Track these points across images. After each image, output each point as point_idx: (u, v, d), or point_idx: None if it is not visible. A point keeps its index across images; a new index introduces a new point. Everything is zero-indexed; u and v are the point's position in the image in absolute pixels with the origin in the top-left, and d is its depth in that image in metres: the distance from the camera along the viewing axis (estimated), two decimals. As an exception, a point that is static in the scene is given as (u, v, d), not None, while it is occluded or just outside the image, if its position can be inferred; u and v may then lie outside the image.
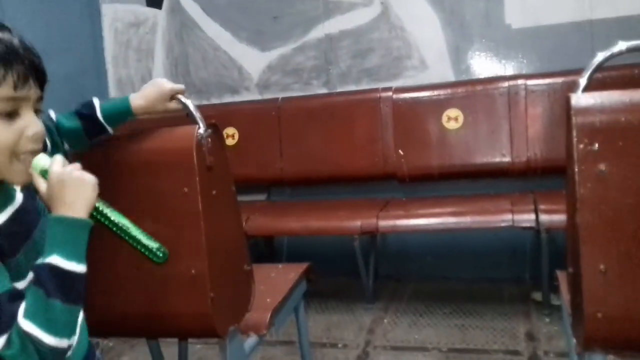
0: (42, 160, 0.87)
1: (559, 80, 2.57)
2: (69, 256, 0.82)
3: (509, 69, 2.76)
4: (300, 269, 1.81)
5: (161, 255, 0.92)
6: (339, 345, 2.25)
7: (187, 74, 3.24)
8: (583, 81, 1.15)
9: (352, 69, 2.98)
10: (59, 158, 0.88)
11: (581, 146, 1.04)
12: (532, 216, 2.24)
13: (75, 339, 0.84)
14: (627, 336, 1.09)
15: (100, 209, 0.89)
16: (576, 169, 1.04)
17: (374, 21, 2.93)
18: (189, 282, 1.19)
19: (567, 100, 1.12)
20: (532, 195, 2.48)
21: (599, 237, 1.06)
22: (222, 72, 3.19)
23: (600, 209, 1.04)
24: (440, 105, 2.72)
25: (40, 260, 0.82)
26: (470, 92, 2.70)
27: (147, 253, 0.92)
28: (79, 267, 0.83)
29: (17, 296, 0.80)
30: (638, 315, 1.06)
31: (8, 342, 0.77)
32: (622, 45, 1.16)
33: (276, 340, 2.24)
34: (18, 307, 0.79)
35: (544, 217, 2.22)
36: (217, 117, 1.30)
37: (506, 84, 2.66)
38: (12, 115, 0.83)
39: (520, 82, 2.64)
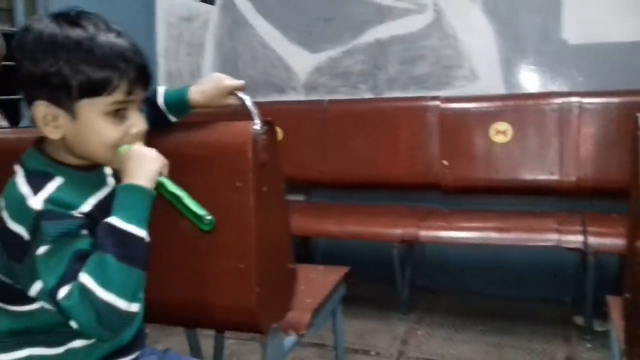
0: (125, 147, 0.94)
1: (616, 100, 2.50)
2: (128, 219, 0.86)
3: (562, 85, 2.69)
4: (341, 272, 1.80)
5: (207, 223, 0.95)
6: (372, 353, 2.23)
7: (235, 71, 3.26)
8: None
9: (401, 75, 2.95)
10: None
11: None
12: (580, 237, 2.17)
13: (135, 306, 0.86)
14: None
15: (161, 181, 0.94)
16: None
17: (426, 28, 2.90)
18: (236, 276, 1.19)
19: (635, 120, 1.08)
20: (580, 216, 2.40)
21: None
22: (270, 70, 3.21)
23: None
24: (489, 118, 2.67)
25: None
26: (521, 107, 2.65)
27: (195, 220, 0.95)
28: (138, 231, 0.87)
29: (87, 256, 0.84)
30: None
31: (69, 294, 0.82)
32: None
33: (308, 342, 2.23)
34: (84, 264, 0.83)
35: (592, 240, 2.15)
36: (262, 116, 1.29)
37: (559, 100, 2.59)
38: (120, 115, 0.91)
39: (574, 99, 2.57)
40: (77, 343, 0.93)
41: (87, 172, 0.95)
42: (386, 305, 2.63)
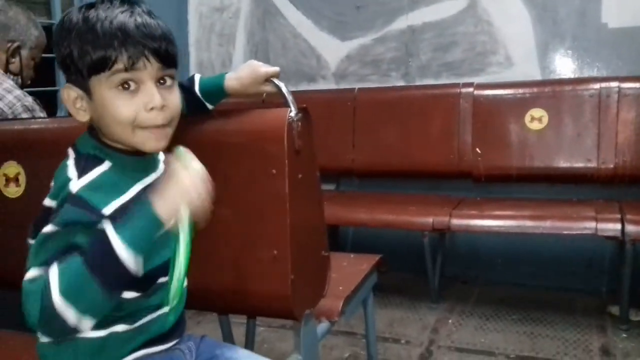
0: (183, 152, 0.88)
1: (657, 85, 2.42)
2: (124, 237, 0.79)
3: (601, 71, 2.62)
4: (373, 260, 1.79)
5: (167, 303, 0.89)
6: (402, 341, 2.23)
7: (266, 60, 3.22)
8: None
9: (433, 63, 2.92)
10: (192, 161, 0.87)
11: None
12: (618, 226, 2.12)
13: (86, 323, 0.80)
14: None
15: (180, 227, 0.84)
16: None
17: (460, 14, 2.85)
18: (271, 263, 1.20)
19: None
20: (618, 204, 2.34)
21: None
22: (301, 59, 3.21)
23: None
24: (524, 104, 2.62)
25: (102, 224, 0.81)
26: (558, 93, 2.59)
27: (167, 289, 0.88)
28: (126, 253, 0.79)
29: (73, 251, 0.81)
30: None
31: (33, 279, 0.80)
32: None
33: (338, 330, 2.24)
34: (65, 259, 0.79)
35: (630, 228, 2.10)
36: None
37: (597, 85, 2.53)
38: (131, 89, 0.88)
39: (613, 84, 2.50)
40: (119, 327, 0.93)
41: (138, 157, 0.93)
42: (416, 294, 2.62)
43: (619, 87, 2.48)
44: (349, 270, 1.74)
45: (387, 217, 2.50)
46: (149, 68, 0.88)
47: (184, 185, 0.83)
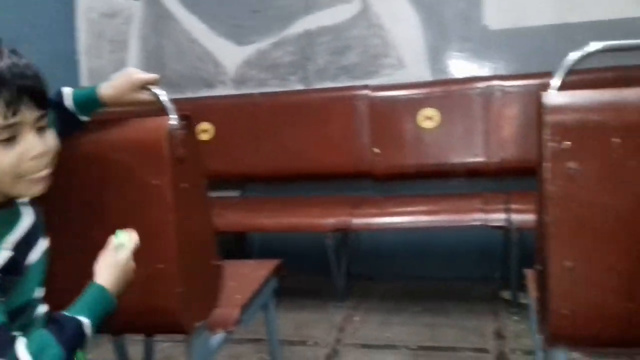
0: (123, 237, 1.05)
1: (535, 82, 2.59)
2: (94, 324, 0.91)
3: (485, 70, 2.78)
4: (271, 265, 1.80)
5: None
6: (309, 343, 2.24)
7: (162, 67, 3.18)
8: (555, 80, 1.16)
9: (330, 66, 2.97)
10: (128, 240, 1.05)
11: (551, 144, 1.05)
12: (503, 215, 2.26)
13: None
14: (591, 333, 1.10)
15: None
16: (546, 167, 1.05)
17: (354, 18, 2.92)
18: (157, 276, 1.16)
19: (539, 99, 1.13)
20: (505, 195, 2.50)
21: (566, 234, 1.07)
22: (198, 65, 3.15)
23: (569, 206, 1.06)
24: (416, 104, 2.72)
25: (71, 313, 0.90)
26: (447, 92, 2.72)
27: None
28: (89, 330, 0.91)
29: (5, 330, 0.81)
30: (602, 312, 1.08)
31: None
32: (594, 46, 1.18)
33: (244, 338, 2.22)
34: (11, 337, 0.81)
35: (514, 217, 2.24)
36: (192, 112, 1.27)
37: (482, 84, 2.68)
38: (10, 140, 0.83)
39: (496, 82, 2.66)
40: None
41: (2, 210, 0.88)
42: (323, 295, 2.65)
43: (501, 85, 2.65)
44: (247, 277, 1.72)
45: (290, 221, 2.51)
46: (27, 114, 0.83)
47: (129, 267, 1.02)
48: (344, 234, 2.61)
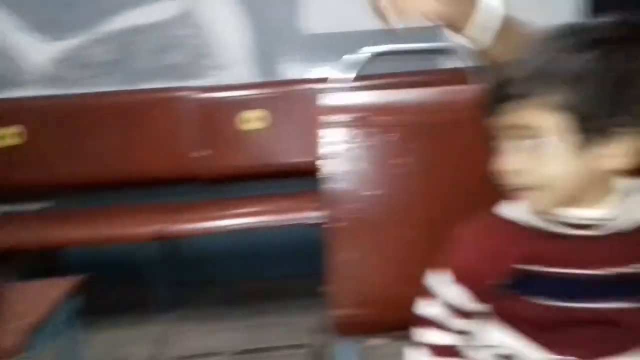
0: None
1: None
2: None
3: (310, 72, 2.81)
4: (70, 283, 1.64)
5: None
6: (127, 362, 2.08)
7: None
8: (331, 81, 1.22)
9: (152, 65, 2.81)
10: None
11: (326, 143, 1.10)
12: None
13: None
14: (377, 319, 1.13)
15: None
16: (323, 165, 1.11)
17: (178, 17, 2.80)
18: None
19: (314, 100, 1.17)
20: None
21: (346, 229, 1.12)
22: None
23: (348, 202, 1.12)
24: (242, 106, 2.68)
25: None
26: (273, 94, 2.71)
27: None
28: None
29: None
30: (386, 299, 1.11)
31: None
32: (366, 51, 1.23)
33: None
34: None
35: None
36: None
37: (307, 86, 2.70)
38: None
39: (319, 86, 2.69)
40: None
41: None
42: (144, 308, 2.48)
43: (323, 88, 2.68)
44: (41, 298, 1.55)
45: (102, 233, 2.32)
46: None
47: None
48: (169, 241, 2.47)
